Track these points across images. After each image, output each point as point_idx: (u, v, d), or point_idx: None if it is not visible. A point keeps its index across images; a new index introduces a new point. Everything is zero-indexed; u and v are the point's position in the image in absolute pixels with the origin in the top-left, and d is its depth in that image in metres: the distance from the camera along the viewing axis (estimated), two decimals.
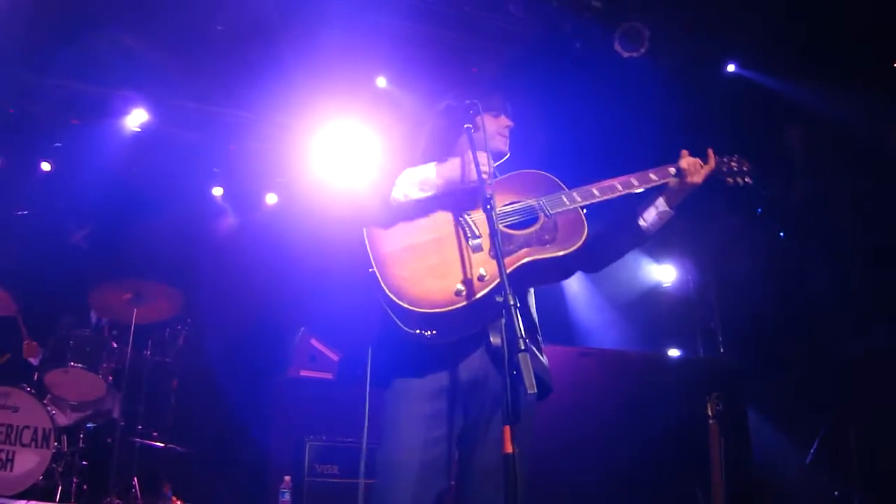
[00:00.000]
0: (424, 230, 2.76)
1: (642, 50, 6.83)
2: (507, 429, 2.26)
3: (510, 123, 3.17)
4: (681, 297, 8.38)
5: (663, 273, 8.44)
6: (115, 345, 6.34)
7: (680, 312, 8.36)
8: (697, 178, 3.01)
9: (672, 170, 3.03)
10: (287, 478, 5.53)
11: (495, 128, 3.12)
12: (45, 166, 7.63)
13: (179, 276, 6.78)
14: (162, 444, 6.31)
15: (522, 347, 2.24)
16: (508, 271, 2.61)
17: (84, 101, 7.44)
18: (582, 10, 6.83)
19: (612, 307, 8.29)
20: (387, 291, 2.60)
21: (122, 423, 6.04)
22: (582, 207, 2.91)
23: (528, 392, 2.18)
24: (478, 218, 2.80)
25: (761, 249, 7.57)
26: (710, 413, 5.25)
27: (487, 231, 2.64)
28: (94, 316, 6.60)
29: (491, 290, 2.61)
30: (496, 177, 3.01)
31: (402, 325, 2.60)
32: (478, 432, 2.73)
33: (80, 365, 6.00)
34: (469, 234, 2.74)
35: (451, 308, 2.58)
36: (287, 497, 5.50)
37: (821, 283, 6.72)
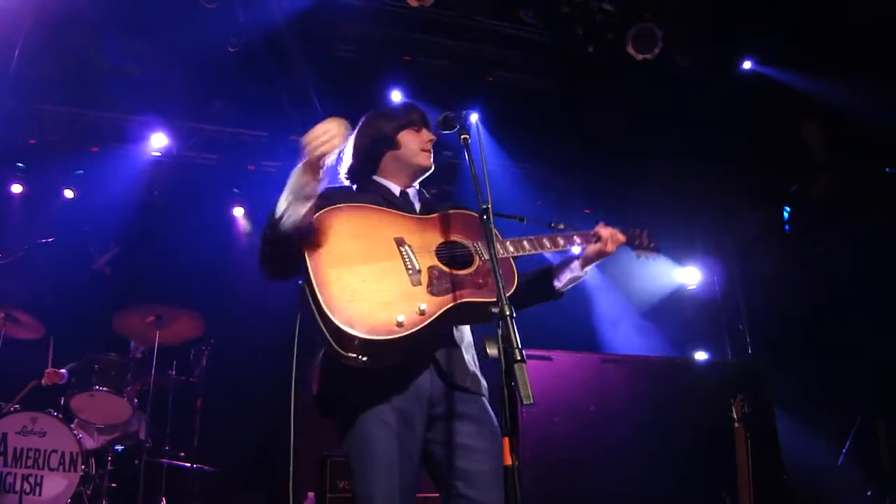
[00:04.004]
0: (366, 258, 2.72)
1: (656, 51, 6.76)
2: (507, 440, 2.25)
3: (433, 137, 3.16)
4: (707, 299, 8.24)
5: (687, 275, 8.30)
6: (140, 367, 6.39)
7: (707, 314, 8.22)
8: (611, 247, 3.14)
9: (593, 236, 3.15)
10: (311, 494, 5.54)
11: (417, 143, 3.11)
12: (69, 193, 7.75)
13: (202, 296, 6.84)
14: (189, 465, 6.36)
15: (519, 358, 2.23)
16: (444, 309, 2.65)
17: (103, 128, 7.55)
18: (593, 14, 6.78)
19: (637, 313, 8.17)
20: (323, 305, 2.54)
21: (149, 445, 6.13)
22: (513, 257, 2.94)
23: (525, 403, 2.17)
24: (417, 249, 2.79)
25: (786, 246, 7.44)
26: (735, 416, 5.17)
27: (427, 265, 2.75)
28: (132, 345, 6.65)
29: (430, 323, 2.60)
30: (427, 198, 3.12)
31: (335, 345, 2.55)
32: (451, 446, 2.71)
33: (104, 388, 6.09)
34: (409, 268, 2.73)
35: (389, 337, 2.54)
36: None
37: (848, 278, 6.58)
